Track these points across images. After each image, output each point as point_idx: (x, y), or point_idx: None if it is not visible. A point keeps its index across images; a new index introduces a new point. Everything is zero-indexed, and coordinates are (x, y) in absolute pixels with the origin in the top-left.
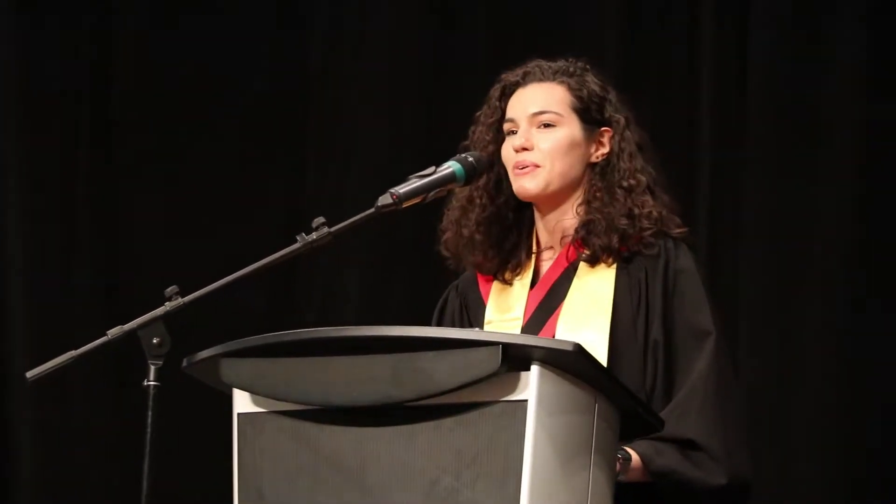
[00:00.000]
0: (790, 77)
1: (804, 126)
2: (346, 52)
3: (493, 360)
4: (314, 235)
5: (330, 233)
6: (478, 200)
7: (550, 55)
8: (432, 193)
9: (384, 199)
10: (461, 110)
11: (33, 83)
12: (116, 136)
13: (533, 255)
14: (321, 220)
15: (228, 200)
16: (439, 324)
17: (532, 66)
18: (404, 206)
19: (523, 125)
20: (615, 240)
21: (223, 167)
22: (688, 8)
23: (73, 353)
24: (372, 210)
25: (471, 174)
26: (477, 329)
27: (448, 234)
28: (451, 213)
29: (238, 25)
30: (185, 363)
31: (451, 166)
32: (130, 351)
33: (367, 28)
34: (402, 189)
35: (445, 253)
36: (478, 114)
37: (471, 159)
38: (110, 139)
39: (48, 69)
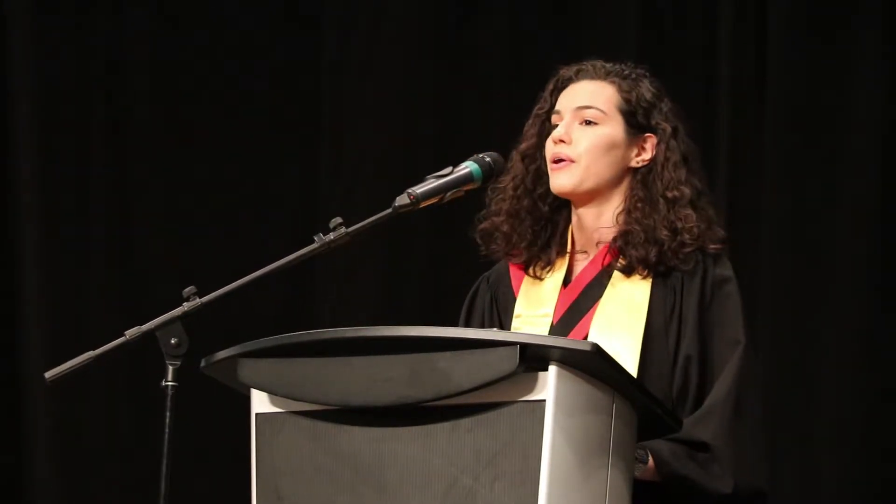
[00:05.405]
0: (809, 77)
1: (824, 126)
2: (360, 49)
3: (511, 360)
4: (332, 235)
5: (347, 233)
6: (512, 192)
7: (569, 50)
8: (449, 194)
9: (402, 200)
10: (476, 109)
11: (47, 80)
12: (131, 136)
13: (567, 255)
14: (338, 220)
15: (242, 200)
16: (469, 315)
17: (588, 63)
18: (421, 206)
19: (567, 118)
20: (653, 253)
21: (238, 166)
22: (705, 8)
23: (90, 353)
24: (389, 210)
25: (488, 174)
26: (495, 329)
27: (485, 224)
28: (491, 202)
29: (250, 22)
30: (203, 363)
31: (468, 166)
32: (148, 351)
33: (380, 25)
34: (420, 189)
35: (479, 240)
36: (535, 108)
37: (488, 159)
38: (125, 138)
39: (62, 66)
